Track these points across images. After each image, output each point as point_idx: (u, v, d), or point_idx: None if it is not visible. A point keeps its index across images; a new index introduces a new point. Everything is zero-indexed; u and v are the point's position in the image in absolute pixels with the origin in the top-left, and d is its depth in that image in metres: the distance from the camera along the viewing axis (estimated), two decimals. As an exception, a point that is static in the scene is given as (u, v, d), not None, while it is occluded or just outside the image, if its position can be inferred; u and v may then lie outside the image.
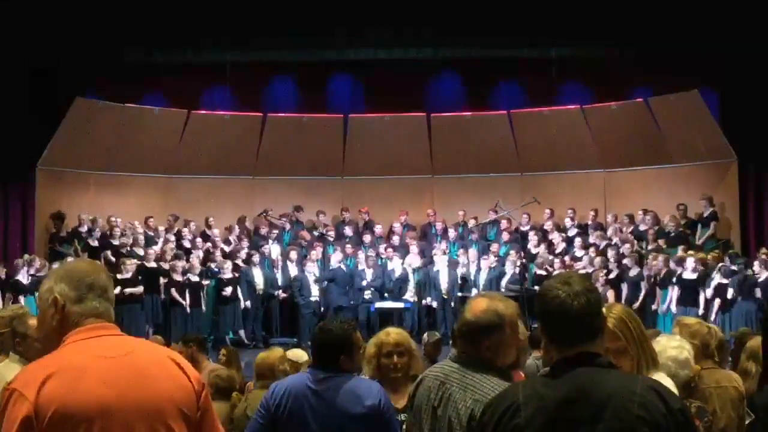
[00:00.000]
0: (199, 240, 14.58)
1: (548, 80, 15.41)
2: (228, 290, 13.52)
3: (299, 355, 6.10)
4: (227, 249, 14.51)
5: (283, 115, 16.10)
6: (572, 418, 2.10)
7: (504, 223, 14.99)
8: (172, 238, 14.38)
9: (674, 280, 12.54)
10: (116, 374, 2.19)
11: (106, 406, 2.14)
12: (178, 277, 13.13)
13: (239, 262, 14.01)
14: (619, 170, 15.70)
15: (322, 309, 13.82)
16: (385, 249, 14.46)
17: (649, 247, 13.68)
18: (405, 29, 15.18)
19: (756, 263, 12.15)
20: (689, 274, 12.41)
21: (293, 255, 14.25)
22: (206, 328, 13.37)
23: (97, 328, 2.31)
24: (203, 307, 13.54)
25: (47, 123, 13.91)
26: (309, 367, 3.81)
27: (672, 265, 12.67)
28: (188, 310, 13.11)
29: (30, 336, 4.02)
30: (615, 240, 14.09)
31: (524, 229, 15.04)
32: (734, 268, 12.22)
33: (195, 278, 13.37)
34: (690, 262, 12.46)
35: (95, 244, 13.90)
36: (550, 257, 13.82)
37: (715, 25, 13.54)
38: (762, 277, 11.93)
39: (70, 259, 13.10)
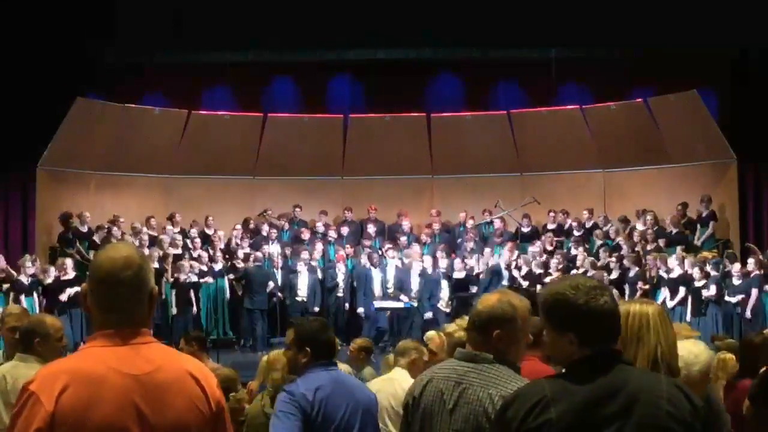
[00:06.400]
0: (198, 240, 14.56)
1: (548, 80, 15.46)
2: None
3: None
4: (245, 247, 14.43)
5: (283, 115, 16.09)
6: (604, 414, 2.15)
7: (498, 223, 14.95)
8: (175, 238, 14.34)
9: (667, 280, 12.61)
10: (133, 398, 2.08)
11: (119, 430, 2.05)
12: (178, 277, 13.12)
13: (240, 262, 14.02)
14: (619, 170, 15.71)
15: (317, 309, 13.72)
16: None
17: (649, 248, 13.69)
18: (405, 29, 15.19)
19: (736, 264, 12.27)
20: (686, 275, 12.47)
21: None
22: (207, 328, 13.38)
23: (122, 334, 2.19)
24: (203, 307, 13.54)
25: (47, 123, 13.88)
26: (321, 365, 3.79)
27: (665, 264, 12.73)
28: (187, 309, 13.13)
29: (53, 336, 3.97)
30: (617, 240, 14.10)
31: (524, 229, 15.05)
32: (714, 272, 12.27)
33: (195, 278, 13.37)
34: (686, 263, 12.50)
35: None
36: (547, 257, 13.82)
37: (715, 26, 13.58)
38: (735, 278, 12.06)
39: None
